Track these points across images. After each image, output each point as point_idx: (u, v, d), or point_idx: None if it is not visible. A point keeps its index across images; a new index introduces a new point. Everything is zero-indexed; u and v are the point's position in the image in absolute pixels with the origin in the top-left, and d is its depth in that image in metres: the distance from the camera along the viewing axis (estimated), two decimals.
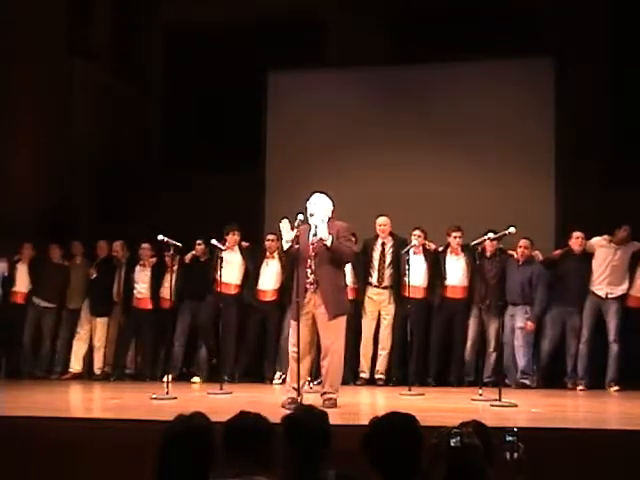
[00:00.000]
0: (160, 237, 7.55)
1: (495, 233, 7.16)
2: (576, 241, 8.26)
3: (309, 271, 6.15)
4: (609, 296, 8.12)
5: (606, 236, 8.25)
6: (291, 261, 6.52)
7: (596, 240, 8.30)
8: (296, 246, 6.15)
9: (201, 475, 2.85)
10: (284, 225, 6.23)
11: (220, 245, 8.21)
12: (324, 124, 10.36)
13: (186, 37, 11.77)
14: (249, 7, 10.99)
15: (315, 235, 6.17)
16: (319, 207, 6.27)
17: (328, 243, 6.09)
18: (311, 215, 6.24)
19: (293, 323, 6.23)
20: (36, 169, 10.31)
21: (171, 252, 7.96)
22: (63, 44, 10.84)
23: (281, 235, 6.27)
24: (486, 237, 7.27)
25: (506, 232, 6.96)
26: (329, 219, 6.26)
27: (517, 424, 5.73)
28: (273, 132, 10.61)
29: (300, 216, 6.24)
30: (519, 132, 9.79)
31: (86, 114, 11.15)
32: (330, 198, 6.38)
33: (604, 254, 8.21)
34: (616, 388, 7.94)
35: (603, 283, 8.16)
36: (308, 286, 6.13)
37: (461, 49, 10.18)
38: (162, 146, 11.95)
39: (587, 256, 8.29)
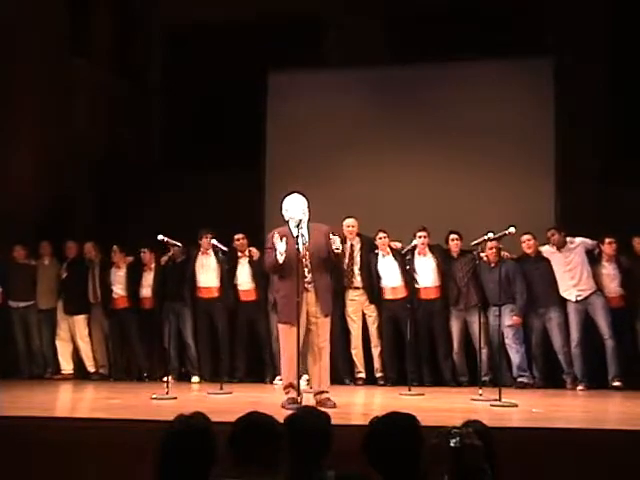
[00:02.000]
0: (160, 237, 7.56)
1: (495, 233, 7.16)
2: (525, 244, 8.29)
3: (306, 270, 6.19)
4: (579, 299, 8.12)
5: (551, 244, 8.27)
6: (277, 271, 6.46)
7: (545, 249, 8.34)
8: (296, 246, 6.17)
9: (201, 475, 2.85)
10: (277, 239, 6.23)
11: (221, 246, 8.20)
12: (324, 124, 10.34)
13: (186, 37, 11.76)
14: (249, 7, 10.98)
15: (303, 236, 6.21)
16: (306, 207, 6.33)
17: (339, 251, 6.29)
18: (304, 213, 6.27)
19: (283, 326, 6.25)
20: (36, 169, 10.31)
21: (171, 252, 7.99)
22: (63, 44, 10.83)
23: (276, 248, 6.23)
24: (486, 237, 7.27)
25: (506, 232, 6.96)
26: (308, 220, 6.33)
27: (517, 424, 5.74)
28: (273, 132, 10.60)
29: (300, 216, 6.25)
30: (519, 132, 9.78)
31: (86, 114, 11.15)
32: (306, 197, 6.39)
33: (557, 261, 8.23)
34: (618, 384, 7.92)
35: (569, 288, 8.15)
36: (307, 285, 6.17)
37: (461, 49, 10.17)
38: (162, 146, 11.94)
39: (543, 257, 8.30)
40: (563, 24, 10.17)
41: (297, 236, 6.18)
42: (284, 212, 6.37)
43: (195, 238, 8.84)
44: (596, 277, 8.18)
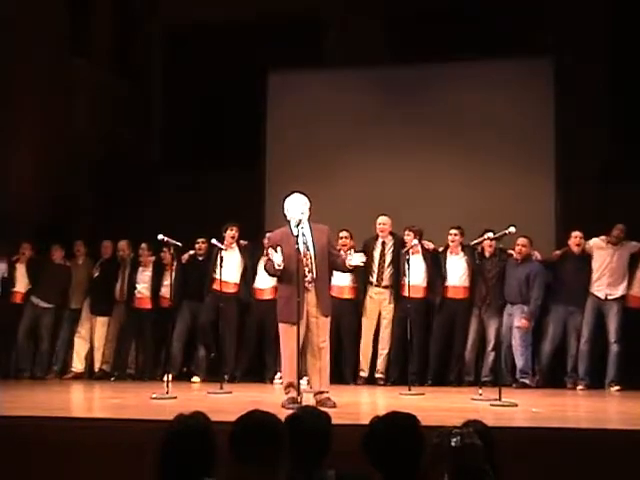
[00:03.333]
0: (160, 237, 7.56)
1: (495, 233, 7.16)
2: (574, 240, 8.27)
3: (306, 269, 6.19)
4: (609, 297, 8.12)
5: (604, 237, 8.26)
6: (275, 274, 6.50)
7: (594, 241, 8.30)
8: (296, 246, 6.17)
9: (201, 475, 2.84)
10: (271, 253, 6.24)
11: (220, 245, 8.20)
12: (324, 124, 10.35)
13: (186, 37, 11.77)
14: (249, 7, 10.99)
15: (304, 235, 6.21)
16: (307, 208, 6.33)
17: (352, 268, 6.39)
18: (302, 213, 6.26)
19: (283, 325, 6.26)
20: (36, 169, 10.31)
21: (171, 251, 7.98)
22: (63, 44, 10.84)
23: (273, 260, 6.23)
24: (486, 237, 7.26)
25: (506, 232, 6.95)
26: (307, 219, 6.33)
27: (517, 424, 5.74)
28: (273, 132, 10.61)
29: (300, 216, 6.26)
30: (519, 132, 9.79)
31: (86, 114, 11.15)
32: (308, 197, 6.40)
33: (603, 256, 8.21)
34: (617, 388, 7.93)
35: (603, 285, 8.15)
36: (307, 285, 6.17)
37: (461, 49, 10.18)
38: (162, 146, 11.95)
39: (586, 256, 8.30)
40: (563, 24, 10.17)
41: (297, 236, 6.18)
42: (285, 211, 6.38)
43: (200, 238, 8.89)
44: (629, 276, 8.18)
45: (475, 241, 7.49)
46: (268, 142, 10.61)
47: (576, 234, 8.27)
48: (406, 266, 8.04)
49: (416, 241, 8.32)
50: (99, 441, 5.04)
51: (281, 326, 6.36)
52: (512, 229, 6.90)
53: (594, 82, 10.15)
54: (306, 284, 6.17)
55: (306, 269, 6.20)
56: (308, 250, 6.23)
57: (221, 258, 8.04)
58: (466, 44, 10.20)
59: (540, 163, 9.76)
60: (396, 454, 2.90)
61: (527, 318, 8.21)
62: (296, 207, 6.31)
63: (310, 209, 6.35)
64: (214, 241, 8.21)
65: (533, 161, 9.77)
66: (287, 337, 6.24)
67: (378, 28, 10.90)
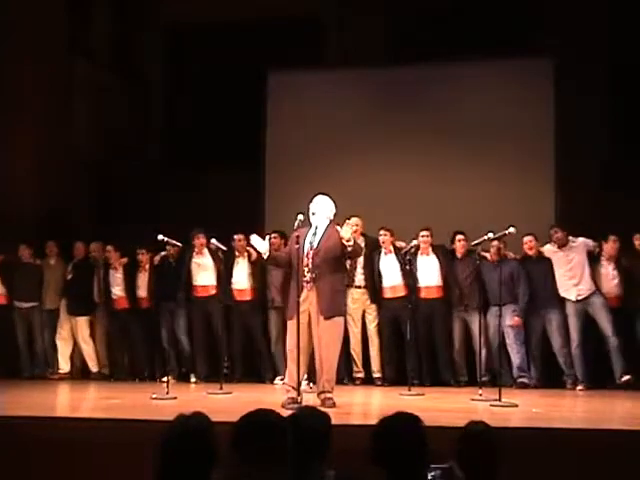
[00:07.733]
0: (160, 237, 7.56)
1: (495, 234, 7.16)
2: (525, 245, 8.28)
3: (306, 269, 6.20)
4: (579, 298, 8.10)
5: (553, 242, 8.27)
6: (274, 264, 6.80)
7: (547, 248, 8.32)
8: (296, 246, 6.20)
9: (201, 475, 2.84)
10: (254, 240, 6.40)
11: (221, 245, 8.18)
12: (324, 124, 10.35)
13: (186, 37, 11.78)
14: (249, 7, 10.99)
15: (315, 234, 6.24)
16: (322, 207, 6.35)
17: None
18: (313, 214, 6.31)
19: (290, 322, 6.27)
20: (36, 169, 10.31)
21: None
22: (63, 44, 10.83)
23: (257, 249, 6.36)
24: (486, 237, 7.26)
25: (506, 232, 6.96)
26: (330, 222, 6.35)
27: (517, 424, 5.74)
28: (273, 132, 10.60)
29: (300, 216, 6.29)
30: (519, 132, 9.78)
31: (86, 114, 11.15)
32: (333, 201, 6.43)
33: (559, 260, 8.21)
34: (627, 377, 7.89)
35: (570, 287, 8.13)
36: (305, 284, 6.17)
37: (461, 49, 10.18)
38: (162, 146, 11.95)
39: (547, 259, 8.29)
40: (563, 24, 10.18)
41: (298, 236, 6.20)
42: None
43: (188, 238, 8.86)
44: (595, 277, 8.18)
45: (475, 242, 7.49)
46: (268, 142, 10.59)
47: (526, 239, 8.23)
48: (380, 266, 8.31)
49: (415, 241, 8.30)
50: (99, 441, 5.05)
51: (287, 323, 6.40)
52: (512, 230, 6.91)
53: (594, 82, 10.16)
54: (304, 283, 6.18)
55: (306, 269, 6.21)
56: (311, 249, 6.23)
57: (196, 264, 8.32)
58: (466, 44, 10.21)
59: (540, 163, 9.74)
60: (402, 454, 2.90)
61: (519, 315, 8.21)
62: (310, 207, 6.38)
63: (320, 209, 6.37)
64: (214, 241, 8.19)
65: (533, 161, 9.76)
66: (289, 334, 6.29)
67: (378, 28, 10.90)
